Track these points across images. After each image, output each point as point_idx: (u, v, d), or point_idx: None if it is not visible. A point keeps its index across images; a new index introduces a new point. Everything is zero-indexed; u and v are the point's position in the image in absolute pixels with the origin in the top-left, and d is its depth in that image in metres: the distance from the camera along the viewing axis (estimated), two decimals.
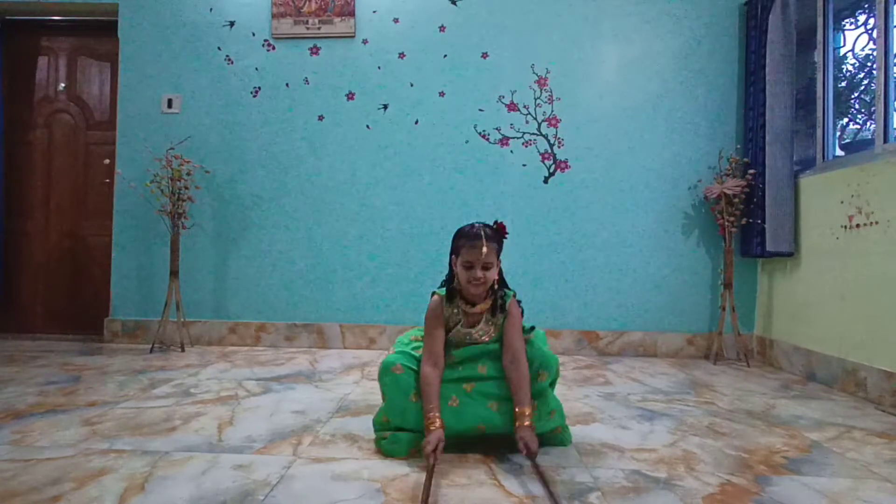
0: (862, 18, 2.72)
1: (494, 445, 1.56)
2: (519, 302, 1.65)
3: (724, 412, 1.97)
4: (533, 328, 1.66)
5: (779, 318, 2.87)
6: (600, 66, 3.14)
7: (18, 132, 3.40)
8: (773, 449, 1.60)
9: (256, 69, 3.21)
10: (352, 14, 3.17)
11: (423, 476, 1.35)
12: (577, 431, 1.72)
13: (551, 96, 3.14)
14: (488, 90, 3.15)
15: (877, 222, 2.22)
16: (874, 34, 2.47)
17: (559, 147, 3.14)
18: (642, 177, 3.10)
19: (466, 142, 3.14)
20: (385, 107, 3.17)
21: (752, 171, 2.85)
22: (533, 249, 3.11)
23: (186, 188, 3.02)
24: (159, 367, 2.57)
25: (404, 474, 1.36)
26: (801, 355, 2.64)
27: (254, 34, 3.22)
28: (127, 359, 2.75)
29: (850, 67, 2.85)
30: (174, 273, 2.99)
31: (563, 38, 3.14)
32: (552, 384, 1.64)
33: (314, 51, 3.20)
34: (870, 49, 2.65)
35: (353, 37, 3.19)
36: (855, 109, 2.86)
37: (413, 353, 1.62)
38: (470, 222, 1.61)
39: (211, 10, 3.22)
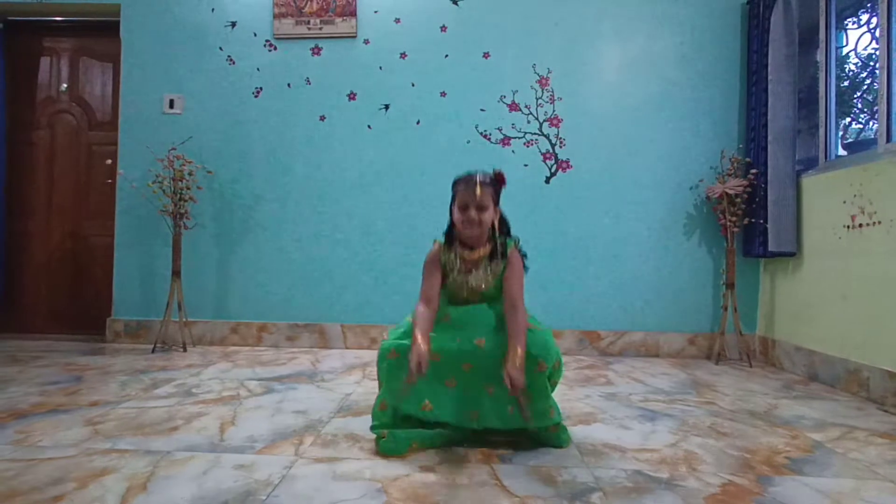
0: (864, 18, 2.72)
1: (496, 445, 1.56)
2: (521, 251, 1.63)
3: (725, 412, 1.97)
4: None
5: (781, 318, 2.87)
6: (602, 66, 3.14)
7: (21, 132, 3.41)
8: (776, 449, 1.59)
9: (258, 69, 3.22)
10: (353, 14, 3.17)
11: (424, 476, 1.35)
12: (578, 431, 1.72)
13: (553, 96, 3.14)
14: (490, 90, 3.14)
15: (879, 222, 2.21)
16: (877, 33, 2.46)
17: (561, 147, 3.14)
18: (644, 176, 3.10)
19: (468, 142, 3.14)
20: (386, 107, 3.18)
21: (754, 171, 2.85)
22: (534, 249, 3.09)
23: (188, 188, 3.02)
24: (161, 367, 2.57)
25: (406, 474, 1.36)
26: (803, 355, 2.63)
27: (255, 34, 3.22)
28: (129, 359, 2.75)
29: (853, 67, 2.85)
30: (176, 273, 3.00)
31: (564, 37, 3.14)
32: (551, 380, 1.59)
33: (315, 51, 3.20)
34: (872, 48, 2.65)
35: (354, 37, 3.19)
36: (857, 109, 2.86)
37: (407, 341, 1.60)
38: None
39: (213, 10, 3.23)
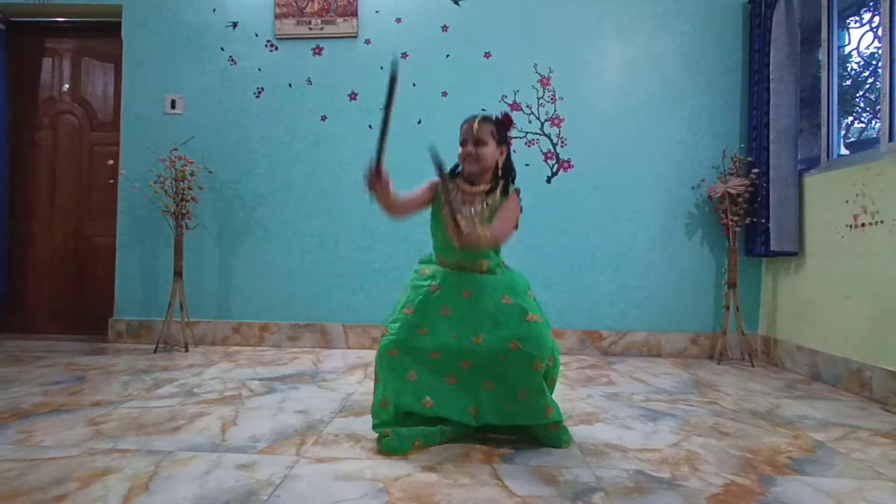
0: (867, 17, 2.71)
1: (497, 445, 1.56)
2: (521, 198, 1.66)
3: (728, 412, 1.97)
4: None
5: (783, 318, 2.86)
6: (603, 66, 3.13)
7: (23, 133, 3.42)
8: (778, 449, 1.59)
9: (259, 70, 3.22)
10: (354, 14, 3.17)
11: (426, 476, 1.35)
12: (580, 431, 1.71)
13: (554, 96, 3.13)
14: (491, 90, 3.14)
15: (882, 221, 2.20)
16: (879, 32, 2.45)
17: (562, 147, 3.13)
18: (645, 176, 3.09)
19: None
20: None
21: (756, 171, 2.84)
22: (535, 248, 3.10)
23: (190, 189, 3.03)
24: (163, 367, 2.58)
25: (407, 474, 1.36)
26: (805, 355, 2.63)
27: (257, 35, 3.22)
28: (131, 359, 2.76)
29: (855, 66, 2.84)
30: (178, 273, 3.00)
31: (565, 37, 3.14)
32: (549, 378, 1.56)
33: (317, 51, 3.21)
34: (875, 47, 2.64)
35: (355, 37, 3.19)
36: (860, 108, 2.85)
37: (403, 320, 1.59)
38: None
39: (214, 10, 3.23)
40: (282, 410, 1.90)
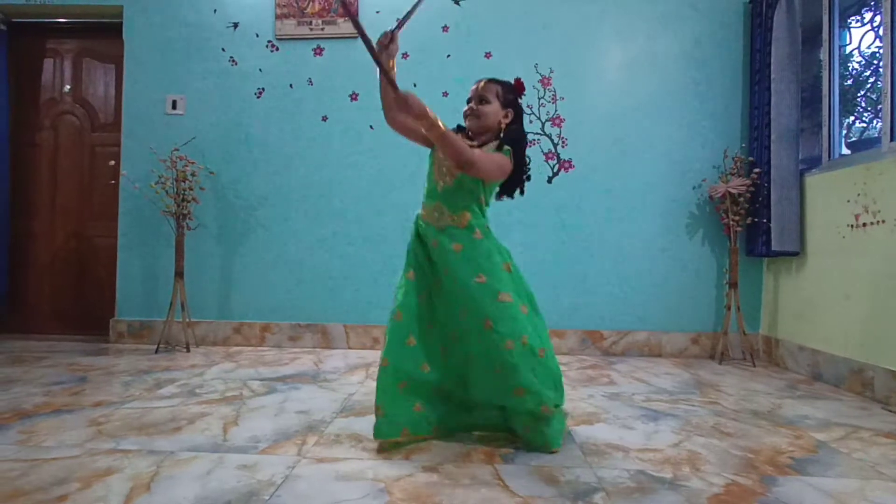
0: (868, 16, 2.70)
1: (498, 445, 1.56)
2: (513, 161, 1.63)
3: (729, 412, 1.96)
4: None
5: (784, 318, 2.86)
6: (604, 66, 3.13)
7: (25, 134, 3.43)
8: (779, 449, 1.59)
9: (260, 70, 3.22)
10: (355, 14, 3.17)
11: (427, 476, 1.35)
12: (581, 431, 1.72)
13: (555, 96, 3.13)
14: None
15: (883, 221, 2.20)
16: (881, 32, 2.45)
17: (563, 147, 3.13)
18: (646, 176, 3.09)
19: None
20: None
21: (757, 170, 2.84)
22: (536, 249, 3.10)
23: (191, 189, 3.03)
24: (164, 367, 2.58)
25: (408, 474, 1.36)
26: (807, 355, 2.62)
27: (257, 35, 3.22)
28: (132, 359, 2.76)
29: (857, 65, 2.83)
30: (179, 274, 3.01)
31: (566, 37, 3.14)
32: (536, 364, 1.54)
33: (318, 51, 3.21)
34: (876, 47, 2.64)
35: (356, 37, 3.19)
36: (861, 108, 2.84)
37: (406, 285, 1.64)
38: None
39: (215, 11, 3.23)
40: (283, 411, 1.90)
